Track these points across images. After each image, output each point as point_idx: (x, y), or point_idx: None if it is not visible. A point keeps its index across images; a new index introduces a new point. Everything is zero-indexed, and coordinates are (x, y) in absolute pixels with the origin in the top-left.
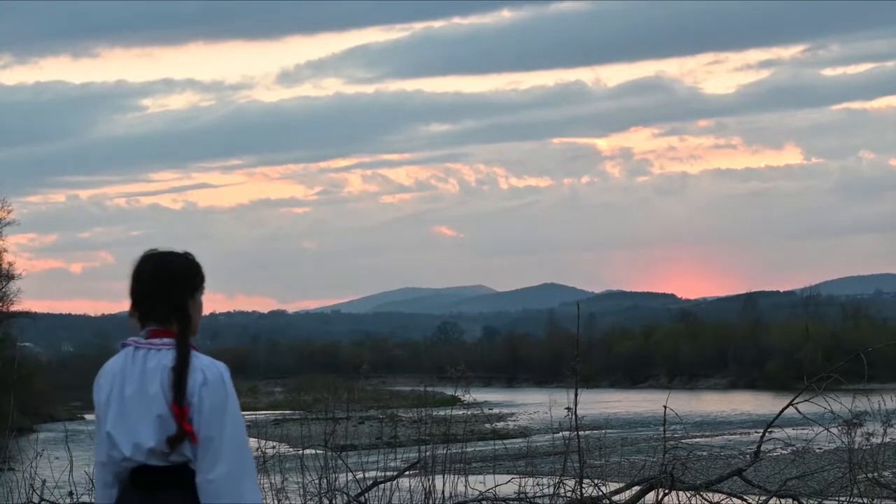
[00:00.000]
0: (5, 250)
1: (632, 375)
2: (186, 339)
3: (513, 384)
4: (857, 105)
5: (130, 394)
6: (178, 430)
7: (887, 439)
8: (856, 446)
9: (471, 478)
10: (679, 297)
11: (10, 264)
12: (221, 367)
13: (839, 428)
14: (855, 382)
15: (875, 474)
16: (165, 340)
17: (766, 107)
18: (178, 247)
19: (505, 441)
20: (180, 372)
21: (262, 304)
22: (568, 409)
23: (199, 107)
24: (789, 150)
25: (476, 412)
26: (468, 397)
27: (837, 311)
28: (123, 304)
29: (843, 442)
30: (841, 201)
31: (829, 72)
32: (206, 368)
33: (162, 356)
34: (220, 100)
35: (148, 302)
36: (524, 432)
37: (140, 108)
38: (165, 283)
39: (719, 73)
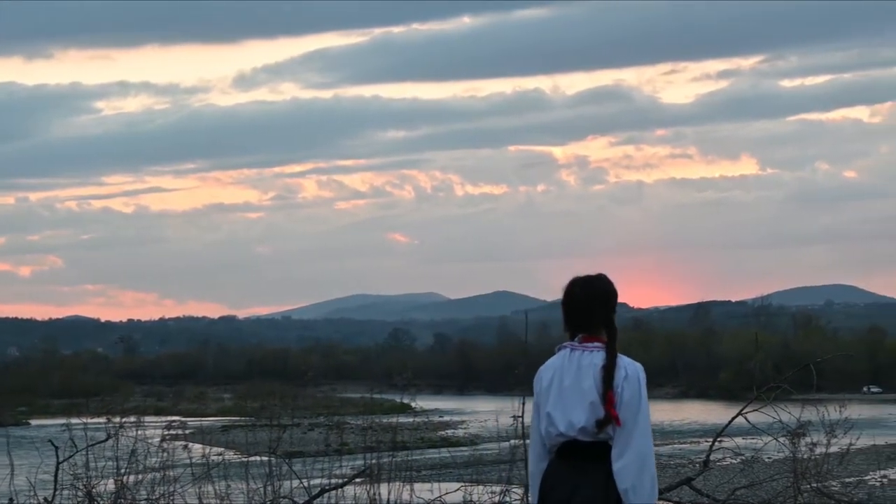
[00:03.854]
0: None
1: None
2: (614, 344)
3: (464, 392)
4: (813, 116)
5: (568, 384)
6: (606, 414)
7: (832, 449)
8: (800, 456)
9: (418, 485)
10: (631, 305)
11: None
12: (638, 366)
13: (786, 437)
14: (805, 393)
15: (819, 484)
16: (595, 344)
17: (724, 117)
18: (129, 251)
19: (454, 449)
20: (610, 369)
21: (213, 310)
22: (514, 417)
23: (154, 110)
24: (745, 161)
25: (424, 420)
26: (416, 404)
27: (788, 321)
28: (71, 309)
29: (790, 452)
30: (795, 212)
31: (787, 83)
32: (627, 366)
33: (593, 357)
34: (175, 103)
35: (581, 316)
36: (474, 440)
37: (94, 110)
38: (594, 302)
39: (678, 83)
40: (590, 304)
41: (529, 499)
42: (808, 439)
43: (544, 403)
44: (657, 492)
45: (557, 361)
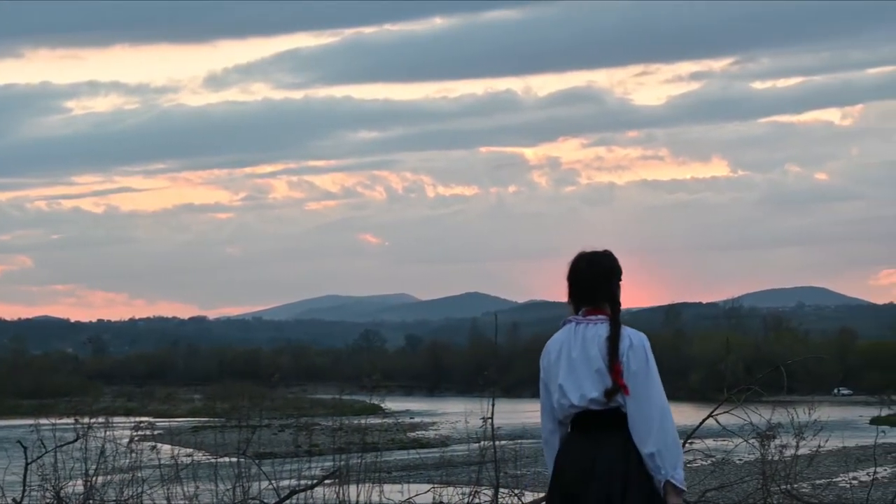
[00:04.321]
0: None
1: None
2: (618, 316)
3: (435, 393)
4: (784, 119)
5: (576, 356)
6: (614, 384)
7: (802, 451)
8: (770, 458)
9: (388, 487)
10: None
11: None
12: (643, 336)
13: (756, 439)
14: (775, 394)
15: (788, 486)
16: (599, 317)
17: (695, 119)
18: (99, 251)
19: (424, 450)
20: (614, 339)
21: (183, 310)
22: (484, 418)
23: (124, 110)
24: (716, 163)
25: (394, 421)
26: (386, 405)
27: (759, 323)
28: (41, 309)
29: (761, 453)
30: (766, 214)
31: (758, 85)
32: (632, 336)
33: (598, 328)
34: (145, 103)
35: (585, 291)
36: (445, 441)
37: (64, 110)
38: (599, 277)
39: (650, 85)
40: (594, 280)
41: (546, 466)
42: (777, 441)
43: (555, 376)
44: (682, 451)
45: (563, 335)
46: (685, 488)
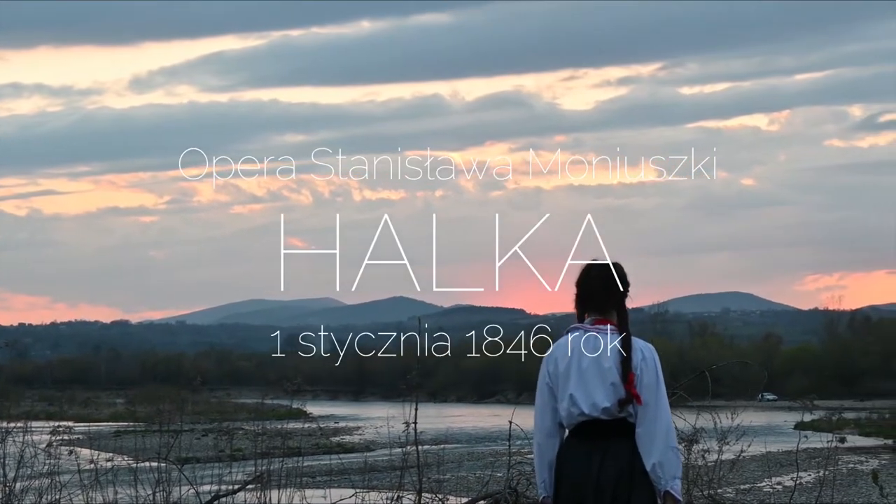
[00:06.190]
0: None
1: (479, 390)
2: (627, 326)
3: (360, 398)
4: (712, 124)
5: (586, 366)
6: (627, 394)
7: (726, 456)
8: (693, 463)
9: (310, 492)
10: (528, 312)
11: None
12: (652, 347)
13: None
14: (700, 399)
15: (711, 491)
16: (608, 327)
17: (623, 123)
18: (22, 254)
19: (348, 455)
20: (627, 351)
21: (106, 314)
22: (407, 423)
23: (48, 112)
24: (643, 168)
25: (317, 426)
26: (309, 410)
27: (685, 328)
28: None
29: (685, 458)
30: (692, 219)
31: (686, 90)
32: (643, 348)
33: (608, 339)
34: (69, 105)
35: (596, 299)
36: (368, 446)
37: None
38: (611, 286)
39: (578, 89)
40: (606, 289)
41: (535, 467)
42: (700, 446)
43: (563, 385)
44: (681, 463)
45: (572, 343)
46: (682, 499)
